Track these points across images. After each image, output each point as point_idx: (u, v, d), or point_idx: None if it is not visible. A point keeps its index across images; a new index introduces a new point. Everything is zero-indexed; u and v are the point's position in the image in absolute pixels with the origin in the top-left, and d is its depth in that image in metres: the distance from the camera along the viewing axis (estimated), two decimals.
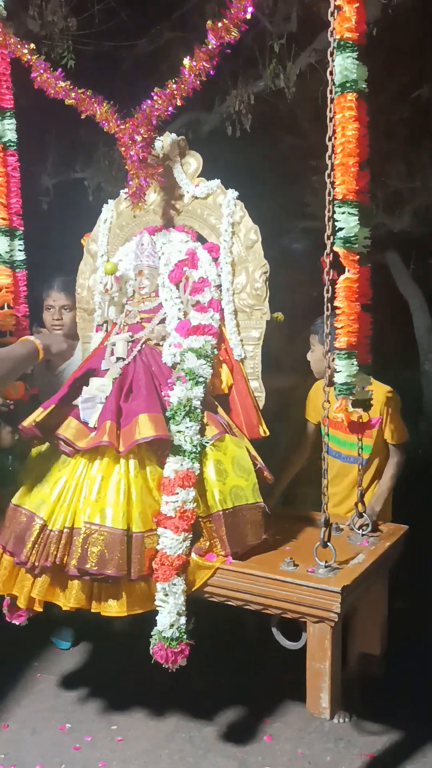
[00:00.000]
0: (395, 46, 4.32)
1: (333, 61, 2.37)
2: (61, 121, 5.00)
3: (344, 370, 2.41)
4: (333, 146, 2.39)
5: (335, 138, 2.37)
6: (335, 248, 2.38)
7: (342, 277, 2.40)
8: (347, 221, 2.36)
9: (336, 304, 2.41)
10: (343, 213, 2.35)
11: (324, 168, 2.40)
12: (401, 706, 3.10)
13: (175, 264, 2.88)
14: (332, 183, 2.40)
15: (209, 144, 5.03)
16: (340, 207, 2.37)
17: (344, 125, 2.35)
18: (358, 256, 2.39)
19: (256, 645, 3.50)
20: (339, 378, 2.42)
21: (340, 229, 2.37)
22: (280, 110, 4.90)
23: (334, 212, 2.39)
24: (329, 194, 2.40)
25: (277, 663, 3.33)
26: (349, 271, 2.39)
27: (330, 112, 2.40)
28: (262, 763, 2.83)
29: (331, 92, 2.40)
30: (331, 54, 2.38)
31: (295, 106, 4.78)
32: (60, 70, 2.99)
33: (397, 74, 4.52)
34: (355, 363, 2.42)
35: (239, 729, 3.03)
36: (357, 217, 2.35)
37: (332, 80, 2.38)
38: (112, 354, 2.76)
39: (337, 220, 2.37)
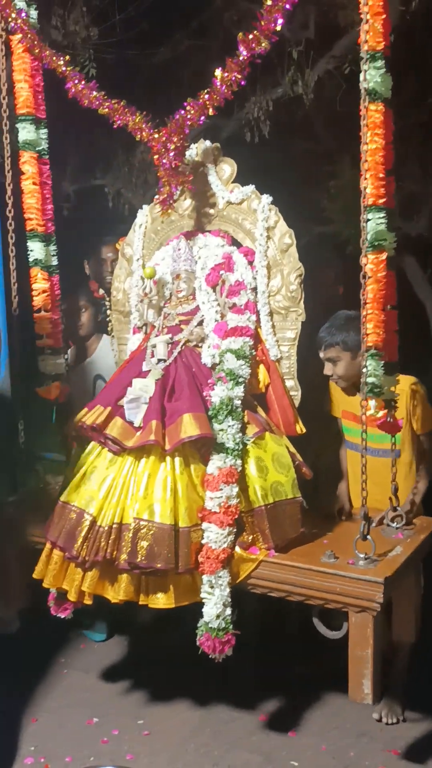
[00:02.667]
0: (411, 52, 4.40)
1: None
2: (81, 128, 5.09)
3: (371, 370, 2.50)
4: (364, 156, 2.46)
5: (364, 145, 2.44)
6: (368, 253, 2.46)
7: (370, 279, 2.47)
8: (370, 226, 2.45)
9: (365, 307, 2.49)
10: (370, 219, 2.44)
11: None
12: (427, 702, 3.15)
13: (212, 268, 2.96)
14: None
15: (227, 150, 5.10)
16: (369, 212, 2.46)
17: (372, 133, 2.43)
18: (383, 257, 2.47)
19: (278, 641, 3.55)
20: (367, 379, 2.52)
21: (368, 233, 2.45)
22: (298, 116, 4.98)
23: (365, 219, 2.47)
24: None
25: (300, 659, 3.40)
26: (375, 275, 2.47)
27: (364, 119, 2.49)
28: (287, 758, 2.88)
29: (365, 100, 2.46)
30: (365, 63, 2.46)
31: (313, 112, 4.87)
32: (94, 81, 3.08)
33: (413, 79, 4.61)
34: (383, 364, 2.51)
35: (264, 724, 3.08)
36: (378, 221, 2.44)
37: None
38: (152, 356, 2.85)
39: (366, 227, 2.45)
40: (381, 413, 2.56)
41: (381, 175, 2.46)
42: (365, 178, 2.45)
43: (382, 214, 2.46)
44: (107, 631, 3.69)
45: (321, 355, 3.02)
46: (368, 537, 2.56)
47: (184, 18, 4.98)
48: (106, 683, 3.40)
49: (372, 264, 2.47)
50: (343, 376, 3.03)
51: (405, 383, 2.99)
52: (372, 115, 2.44)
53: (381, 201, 2.46)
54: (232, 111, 5.05)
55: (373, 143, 2.44)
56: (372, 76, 2.42)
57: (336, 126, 4.82)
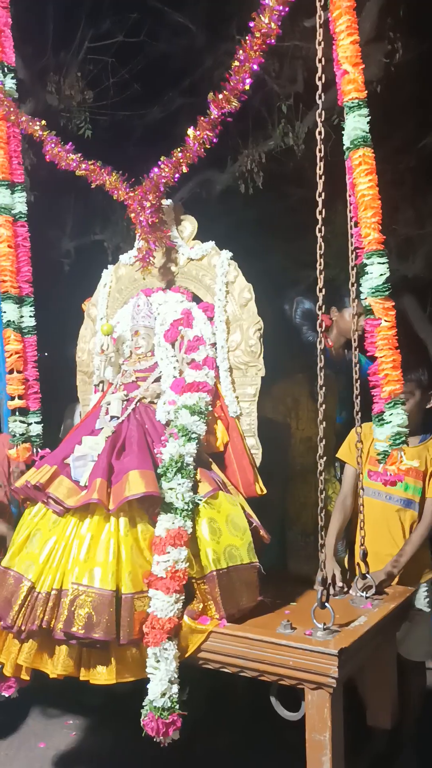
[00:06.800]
0: (400, 100, 4.42)
1: (321, 121, 2.52)
2: (80, 186, 5.19)
3: (394, 419, 2.36)
4: (323, 202, 2.48)
5: (366, 191, 2.41)
6: (367, 299, 2.39)
7: (379, 326, 2.38)
8: (375, 270, 2.37)
9: (376, 354, 2.39)
10: (371, 263, 2.37)
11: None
12: None
13: (171, 323, 2.90)
14: (323, 237, 2.47)
15: (222, 202, 5.16)
16: (368, 257, 2.39)
17: (359, 180, 2.39)
18: (392, 303, 2.39)
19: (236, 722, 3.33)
20: (390, 429, 2.36)
21: (368, 279, 2.39)
22: (290, 166, 5.02)
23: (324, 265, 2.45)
24: (320, 248, 2.48)
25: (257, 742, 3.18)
26: (383, 319, 2.38)
27: (319, 169, 2.52)
28: None
29: (320, 151, 2.53)
30: (320, 116, 2.52)
31: (304, 161, 4.90)
32: (70, 143, 3.11)
33: (403, 126, 4.63)
34: (403, 411, 2.38)
35: None
36: (385, 266, 2.37)
37: (320, 139, 2.54)
38: (107, 413, 2.77)
39: (367, 272, 2.38)
40: (412, 463, 2.41)
41: (373, 220, 2.40)
42: (367, 225, 2.39)
43: (385, 259, 2.40)
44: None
45: None
46: (327, 605, 2.38)
47: (175, 78, 5.10)
48: (116, 745, 3.20)
49: (384, 309, 2.38)
50: (409, 414, 2.89)
51: None
52: (365, 161, 2.41)
53: (381, 246, 2.40)
54: (226, 164, 5.11)
55: (371, 189, 2.40)
56: (360, 123, 2.41)
57: (328, 174, 4.82)
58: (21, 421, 3.29)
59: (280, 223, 5.09)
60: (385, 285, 2.37)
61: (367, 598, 2.64)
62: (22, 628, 2.40)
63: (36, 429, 3.34)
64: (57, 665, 2.39)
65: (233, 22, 4.51)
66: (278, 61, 4.53)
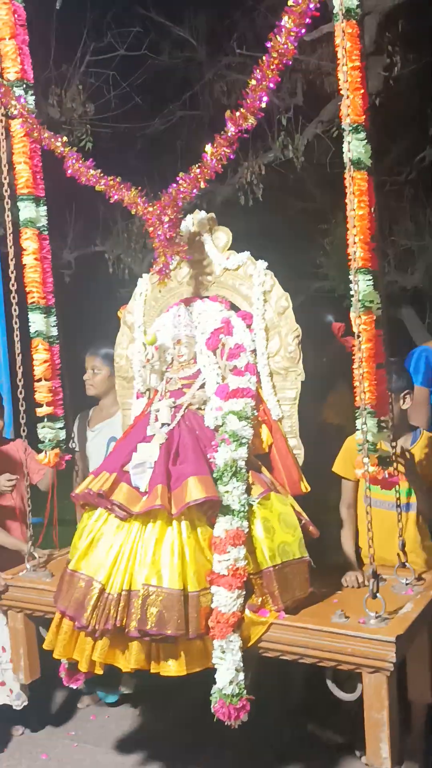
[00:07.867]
0: (399, 113, 4.61)
1: (350, 143, 2.59)
2: (81, 197, 5.28)
3: (362, 428, 2.56)
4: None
5: (351, 212, 2.55)
6: (351, 313, 2.56)
7: (363, 338, 2.56)
8: (364, 287, 2.55)
9: (354, 367, 2.57)
10: (359, 281, 2.54)
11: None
12: None
13: (212, 332, 3.03)
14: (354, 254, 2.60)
15: (223, 213, 5.28)
16: (358, 274, 2.56)
17: (350, 199, 2.55)
18: (372, 317, 2.57)
19: (292, 704, 3.48)
20: (360, 437, 2.56)
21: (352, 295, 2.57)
22: (290, 178, 5.18)
23: (356, 282, 2.58)
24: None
25: (313, 722, 3.35)
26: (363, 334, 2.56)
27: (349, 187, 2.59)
28: None
29: (350, 170, 2.58)
30: (348, 143, 2.58)
31: (304, 173, 5.07)
32: (91, 159, 3.19)
33: (402, 138, 4.82)
34: (377, 421, 2.57)
35: None
36: (368, 284, 2.54)
37: (349, 160, 2.57)
38: (156, 420, 2.89)
39: (352, 288, 2.55)
40: (372, 469, 2.58)
41: (368, 240, 2.57)
42: (354, 243, 2.55)
43: (369, 277, 2.57)
44: (119, 693, 3.65)
45: None
46: (378, 595, 2.56)
47: (176, 91, 5.22)
48: (117, 756, 3.32)
49: (364, 324, 2.55)
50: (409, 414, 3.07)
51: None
52: (357, 183, 2.56)
53: (369, 264, 2.57)
54: (226, 176, 5.26)
55: (360, 209, 2.55)
56: (355, 147, 2.55)
57: (328, 186, 5.01)
58: (50, 428, 3.38)
59: (279, 235, 5.26)
60: (368, 301, 2.55)
61: (407, 584, 2.83)
62: (96, 627, 2.54)
63: (61, 435, 3.43)
64: (130, 660, 2.54)
65: (233, 36, 4.66)
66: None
